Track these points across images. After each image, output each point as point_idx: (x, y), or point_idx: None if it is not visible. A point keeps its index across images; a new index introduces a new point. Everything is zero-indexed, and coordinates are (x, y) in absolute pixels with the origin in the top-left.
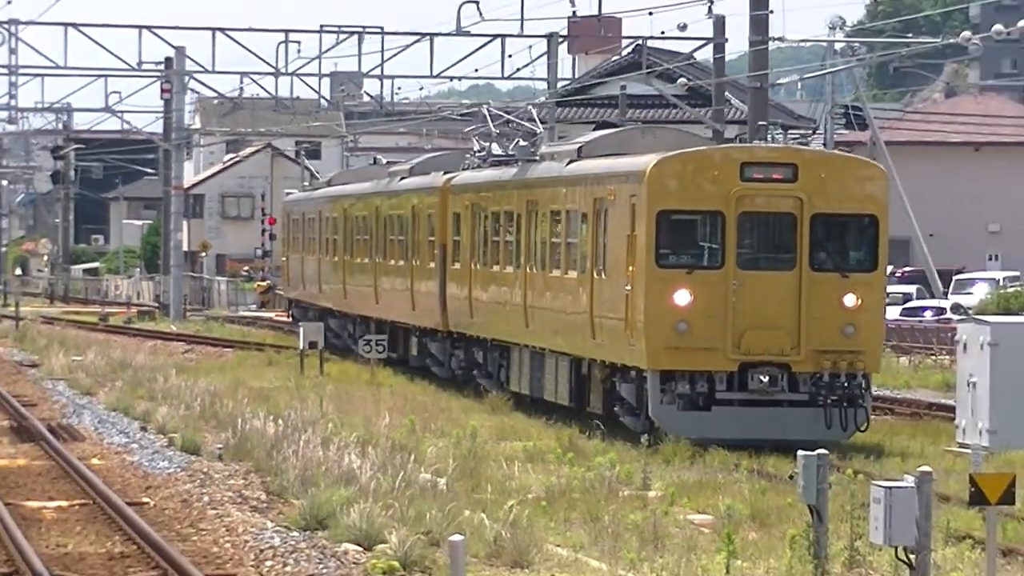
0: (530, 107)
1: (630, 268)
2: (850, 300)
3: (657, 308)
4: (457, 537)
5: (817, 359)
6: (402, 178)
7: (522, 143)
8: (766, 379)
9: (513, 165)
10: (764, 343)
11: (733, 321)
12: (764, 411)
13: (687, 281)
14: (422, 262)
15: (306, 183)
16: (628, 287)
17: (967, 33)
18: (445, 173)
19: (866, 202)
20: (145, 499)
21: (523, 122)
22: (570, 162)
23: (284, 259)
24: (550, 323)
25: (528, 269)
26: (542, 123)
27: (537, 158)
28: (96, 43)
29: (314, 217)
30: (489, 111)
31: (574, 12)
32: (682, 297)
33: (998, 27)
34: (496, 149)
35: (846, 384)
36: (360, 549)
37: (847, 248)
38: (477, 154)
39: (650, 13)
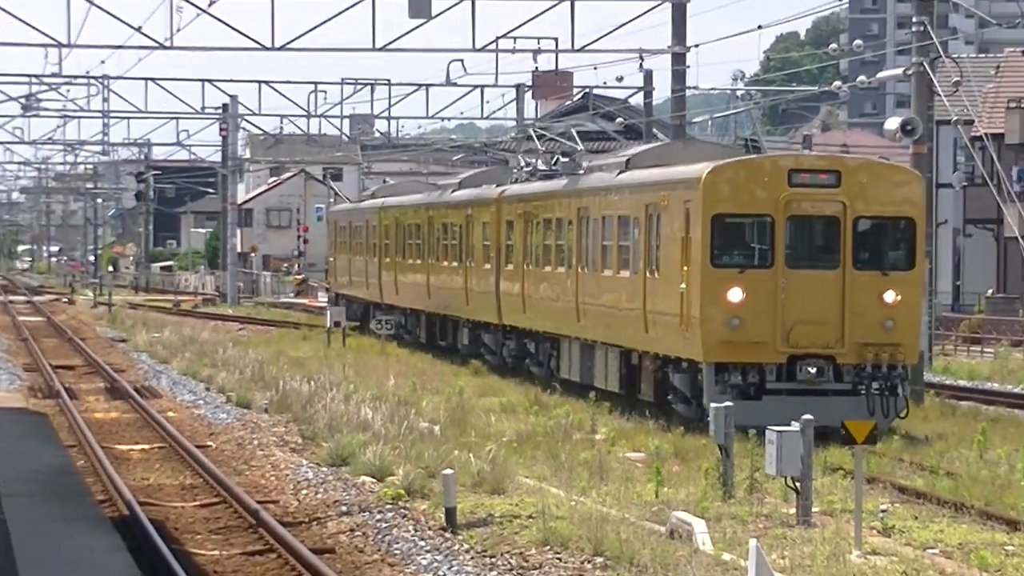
0: (571, 128)
1: (684, 268)
2: (890, 296)
3: (712, 305)
4: (448, 471)
5: (860, 351)
6: (453, 191)
7: (563, 159)
8: (814, 370)
9: (561, 177)
10: (811, 337)
11: (782, 317)
12: (811, 400)
13: (739, 280)
14: (476, 263)
15: (330, 199)
16: (683, 285)
17: (838, 83)
18: (497, 186)
19: (904, 205)
20: (208, 443)
21: (565, 141)
22: (619, 172)
23: (331, 260)
24: (601, 318)
25: (579, 269)
26: (511, 152)
27: (581, 171)
28: (170, 93)
29: (361, 225)
30: (535, 131)
31: (536, 68)
32: (735, 295)
33: (862, 78)
34: (540, 165)
35: (887, 374)
36: (374, 480)
37: (887, 248)
38: (524, 169)
39: (595, 68)
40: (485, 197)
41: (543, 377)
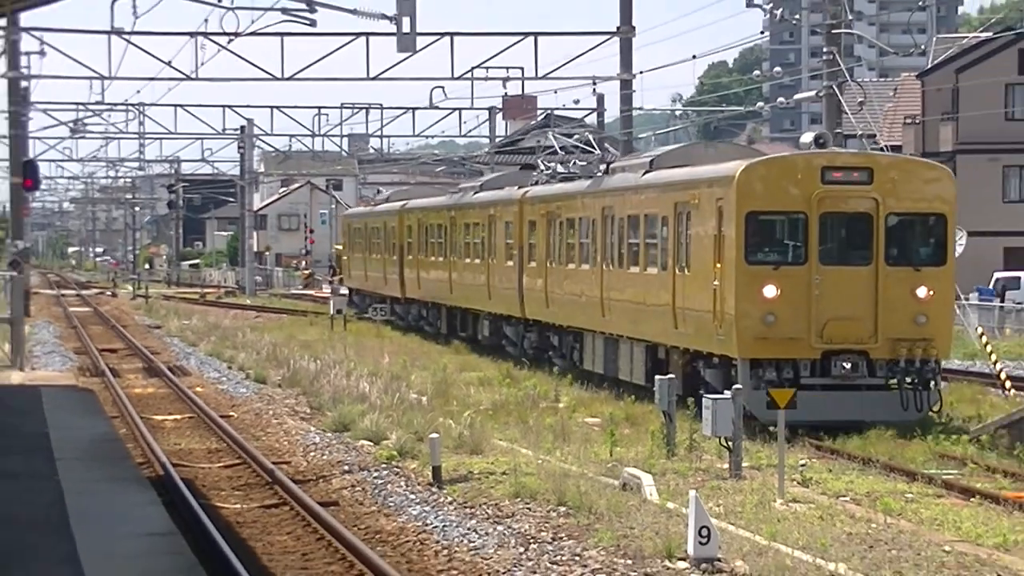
0: (587, 133)
1: (717, 265)
2: (922, 292)
3: (747, 302)
4: (434, 435)
5: (893, 346)
6: (475, 193)
7: (579, 162)
8: (848, 366)
9: (584, 179)
10: (844, 332)
11: (816, 313)
12: (845, 395)
13: (774, 276)
14: (499, 261)
15: (332, 205)
16: (716, 282)
17: (761, 103)
18: (519, 188)
19: (935, 202)
20: (231, 413)
21: (583, 145)
22: (645, 173)
23: (345, 259)
24: (627, 313)
25: (604, 266)
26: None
27: (599, 172)
28: (196, 117)
29: (380, 226)
30: (555, 136)
31: (506, 93)
32: (769, 291)
33: (781, 99)
34: (560, 168)
35: (920, 369)
36: (372, 443)
37: (919, 244)
38: (544, 172)
39: (555, 92)
40: (508, 198)
41: (565, 368)
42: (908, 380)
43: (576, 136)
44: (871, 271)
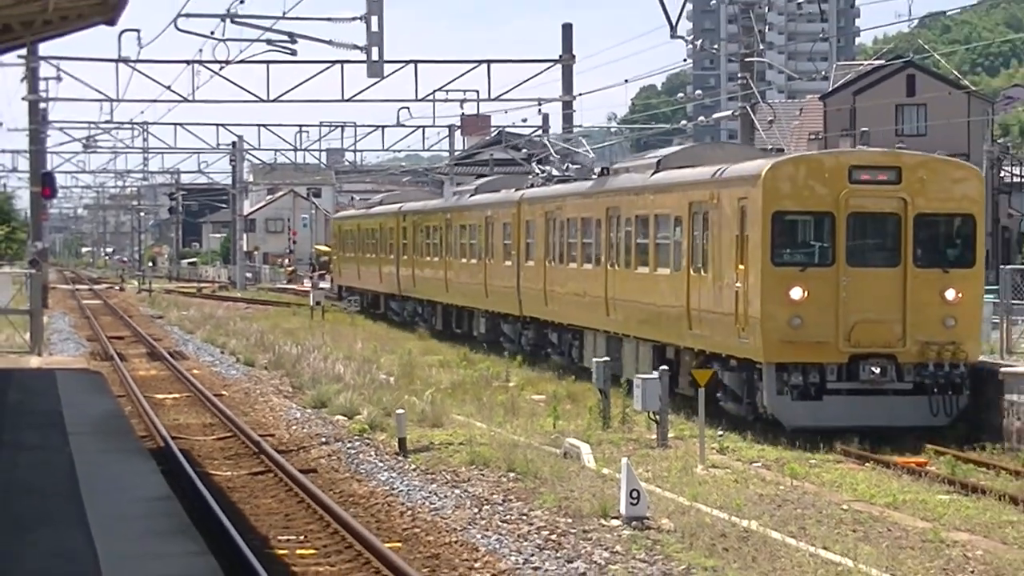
0: (581, 138)
1: (740, 266)
2: (951, 294)
3: (773, 304)
4: (400, 410)
5: (922, 350)
6: (471, 195)
7: (573, 165)
8: (878, 370)
9: (581, 180)
10: (872, 336)
11: (843, 316)
12: (872, 399)
13: (800, 278)
14: (496, 260)
15: (312, 211)
16: (738, 284)
17: (684, 121)
18: (516, 190)
19: (964, 202)
20: (223, 392)
21: (577, 150)
22: (653, 173)
23: (335, 258)
24: (634, 313)
25: (610, 266)
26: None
27: (594, 175)
28: (193, 134)
29: (374, 227)
30: (550, 142)
31: (463, 112)
32: (796, 293)
33: (701, 118)
34: (554, 172)
35: (949, 373)
36: (346, 418)
37: (947, 245)
38: (540, 175)
39: (506, 112)
40: (506, 200)
41: (564, 365)
42: (937, 384)
43: (571, 140)
44: (899, 273)
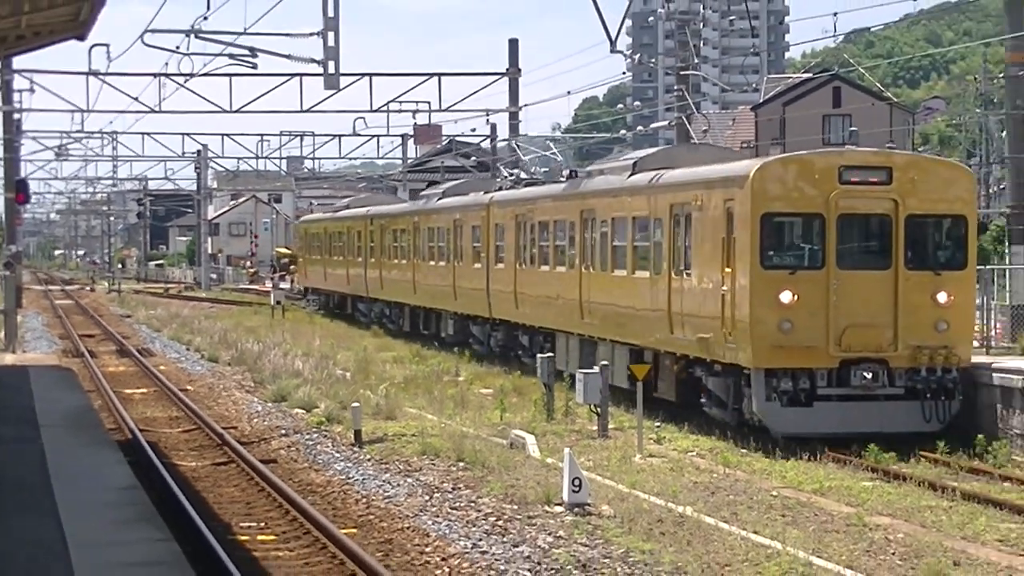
0: (549, 142)
1: (727, 269)
2: (943, 297)
3: (762, 308)
4: (356, 404)
5: (914, 354)
6: (439, 199)
7: (542, 169)
8: (870, 375)
9: (551, 183)
10: (863, 340)
11: (834, 320)
12: (863, 405)
13: (790, 282)
14: (466, 263)
15: (273, 215)
16: (725, 287)
17: (624, 131)
18: (485, 193)
19: (956, 203)
20: (189, 387)
21: (546, 154)
22: (630, 175)
23: (301, 260)
24: (611, 317)
25: (584, 269)
26: (398, 181)
27: (564, 176)
28: (159, 143)
29: (341, 230)
30: (518, 146)
31: (415, 122)
32: (786, 297)
33: (640, 128)
34: (523, 174)
35: (941, 378)
36: (304, 411)
37: (939, 247)
38: (509, 178)
39: (456, 122)
40: (475, 203)
41: (533, 366)
42: (930, 389)
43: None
44: (890, 275)
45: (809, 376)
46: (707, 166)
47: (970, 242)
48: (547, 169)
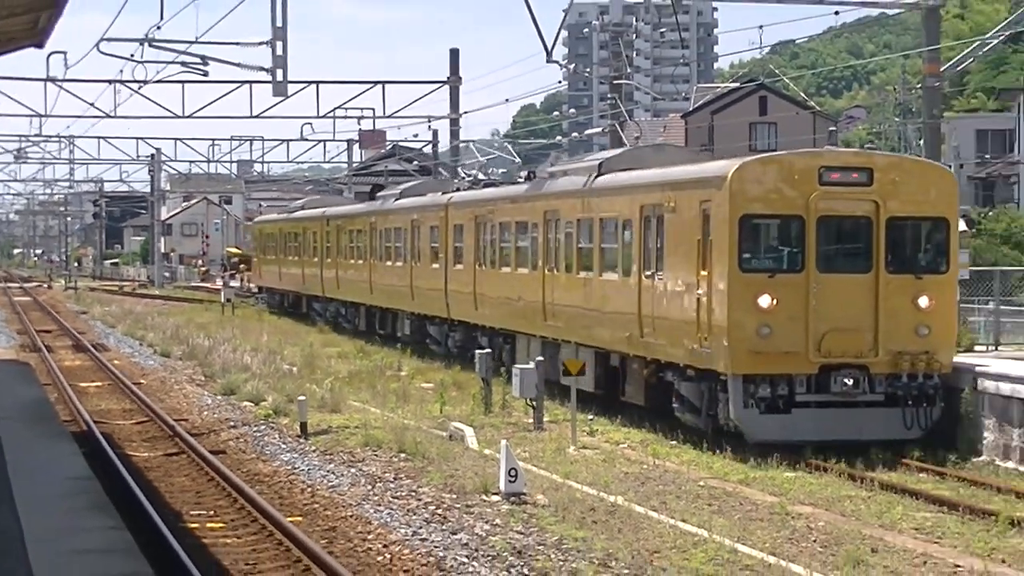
0: (506, 144)
1: (702, 272)
2: (924, 301)
3: (741, 312)
4: (302, 397)
5: (895, 360)
6: (396, 199)
7: (501, 170)
8: (851, 382)
9: (511, 184)
10: (843, 345)
11: (814, 324)
12: (843, 412)
13: (769, 285)
14: (423, 263)
15: (223, 216)
16: (700, 291)
17: (560, 137)
18: (443, 193)
19: (937, 205)
20: (142, 381)
21: (505, 155)
22: (596, 176)
23: (256, 260)
24: (575, 318)
25: (548, 270)
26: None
27: (522, 178)
28: (115, 147)
29: (297, 231)
30: (476, 147)
31: (360, 128)
32: (765, 301)
33: (575, 134)
34: (480, 176)
35: (922, 384)
36: (253, 404)
37: (920, 250)
38: (466, 179)
39: (399, 128)
40: (433, 203)
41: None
42: (911, 395)
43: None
44: (871, 279)
45: (788, 382)
46: (679, 166)
47: (952, 245)
48: (504, 170)
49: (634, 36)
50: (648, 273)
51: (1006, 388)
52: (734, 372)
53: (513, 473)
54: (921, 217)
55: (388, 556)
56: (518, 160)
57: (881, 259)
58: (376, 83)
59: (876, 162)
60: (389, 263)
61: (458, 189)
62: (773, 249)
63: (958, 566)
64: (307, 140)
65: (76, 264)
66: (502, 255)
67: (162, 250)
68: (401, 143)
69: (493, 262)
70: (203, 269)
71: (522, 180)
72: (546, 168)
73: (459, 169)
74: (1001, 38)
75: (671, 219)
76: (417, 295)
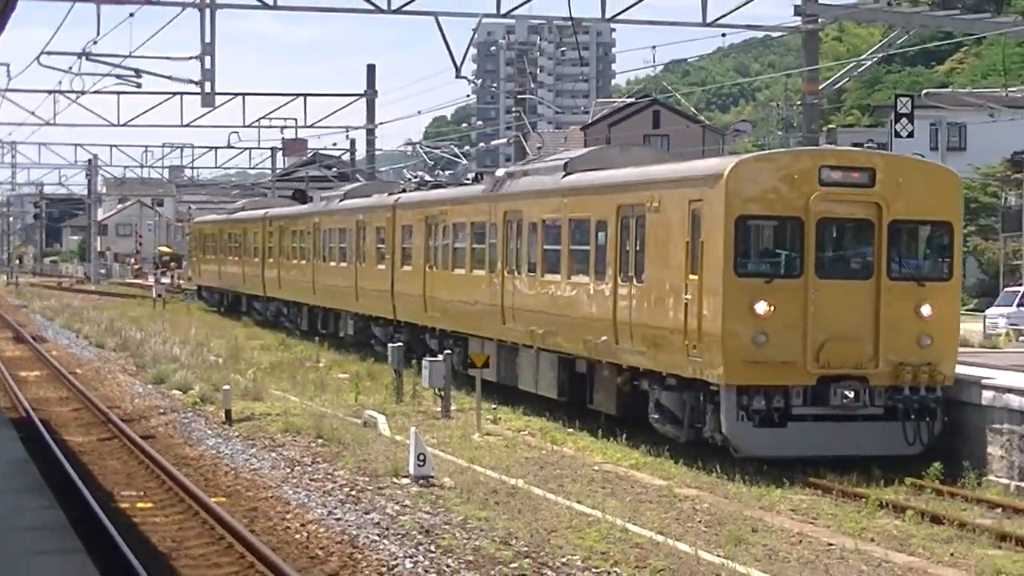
0: (452, 146)
1: (691, 276)
2: (926, 310)
3: (736, 320)
4: (227, 386)
5: (896, 372)
6: (340, 200)
7: (448, 172)
8: (851, 394)
9: (460, 185)
10: (843, 356)
11: (812, 333)
12: (841, 426)
13: (766, 291)
14: (368, 264)
15: (156, 218)
16: (688, 296)
17: (467, 147)
18: (390, 194)
19: (942, 208)
20: (78, 370)
21: (452, 157)
22: (564, 176)
23: (195, 259)
24: (539, 323)
25: (507, 273)
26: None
27: (470, 179)
28: (55, 152)
29: (237, 231)
30: (423, 150)
31: (283, 137)
32: (761, 308)
33: (481, 144)
34: (427, 177)
35: (923, 397)
36: (181, 392)
37: (923, 255)
38: (413, 180)
39: (320, 137)
40: (379, 204)
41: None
42: (912, 409)
43: (443, 149)
44: (872, 286)
45: (784, 394)
46: (663, 164)
47: (956, 251)
48: (451, 172)
49: (538, 54)
50: (625, 277)
51: (1015, 401)
52: (728, 382)
53: (422, 458)
54: (925, 221)
55: (305, 534)
56: (466, 161)
57: (883, 265)
58: (298, 95)
59: (877, 162)
60: (333, 264)
61: (404, 190)
62: (770, 253)
63: (831, 544)
64: (234, 148)
65: (17, 261)
66: (456, 257)
67: (98, 249)
68: (321, 151)
69: (446, 264)
70: (136, 267)
71: (469, 181)
72: (507, 168)
73: (406, 171)
74: (875, 59)
75: (654, 220)
76: (362, 296)
